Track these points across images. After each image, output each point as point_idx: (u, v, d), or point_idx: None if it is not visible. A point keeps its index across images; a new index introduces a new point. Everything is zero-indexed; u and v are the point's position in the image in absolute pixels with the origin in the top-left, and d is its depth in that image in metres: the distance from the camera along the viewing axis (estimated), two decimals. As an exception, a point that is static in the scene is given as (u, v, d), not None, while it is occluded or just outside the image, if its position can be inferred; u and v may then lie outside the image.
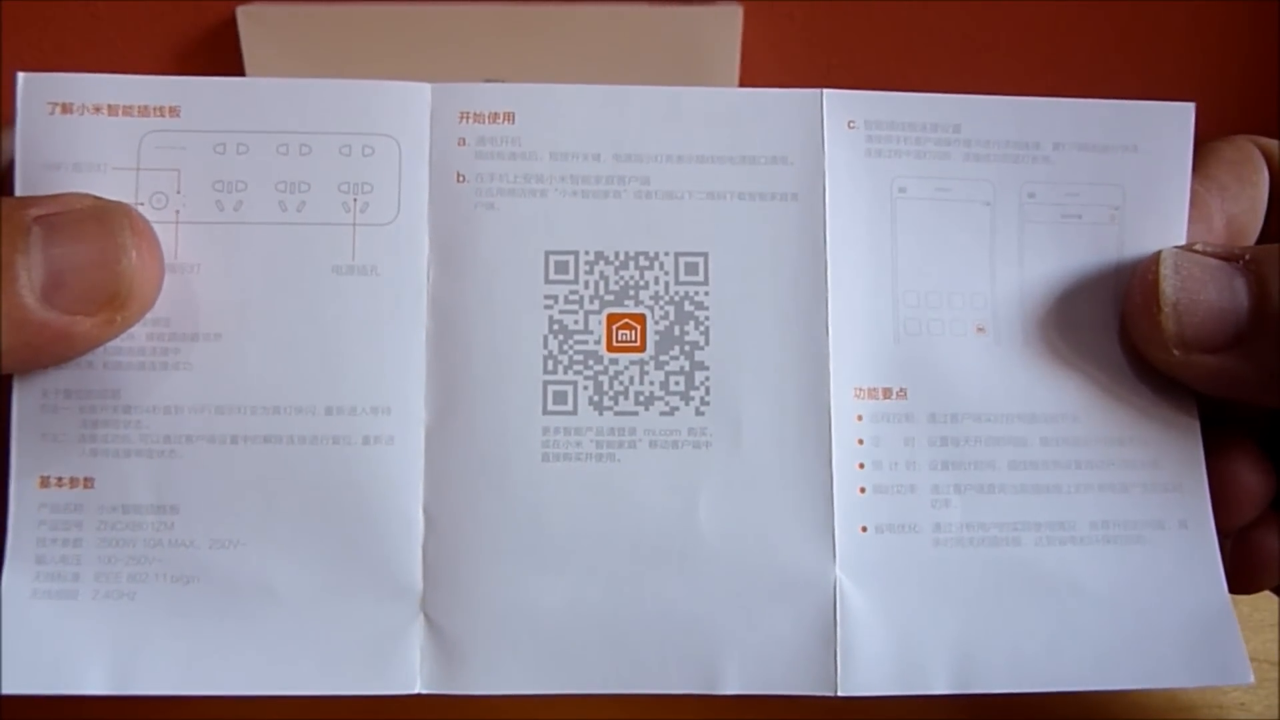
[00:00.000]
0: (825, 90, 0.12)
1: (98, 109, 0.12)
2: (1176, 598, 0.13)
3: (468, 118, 0.13)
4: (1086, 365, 0.13)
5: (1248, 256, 0.13)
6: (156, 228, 0.12)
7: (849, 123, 0.12)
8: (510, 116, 0.13)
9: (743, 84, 0.49)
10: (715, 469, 0.12)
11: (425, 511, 0.13)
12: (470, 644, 0.12)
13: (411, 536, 0.12)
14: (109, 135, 0.12)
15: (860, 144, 0.12)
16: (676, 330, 0.13)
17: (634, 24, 0.47)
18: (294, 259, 0.12)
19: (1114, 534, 0.13)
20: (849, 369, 0.12)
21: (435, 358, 0.13)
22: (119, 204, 0.12)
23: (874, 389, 0.12)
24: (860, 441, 0.12)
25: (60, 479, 0.12)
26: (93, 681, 0.11)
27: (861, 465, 0.12)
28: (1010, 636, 0.12)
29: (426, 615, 0.12)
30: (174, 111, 0.12)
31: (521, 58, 0.47)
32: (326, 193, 0.12)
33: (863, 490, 0.12)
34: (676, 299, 0.13)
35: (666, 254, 0.13)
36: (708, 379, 0.13)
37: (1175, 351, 0.12)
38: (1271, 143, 0.15)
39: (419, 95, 0.13)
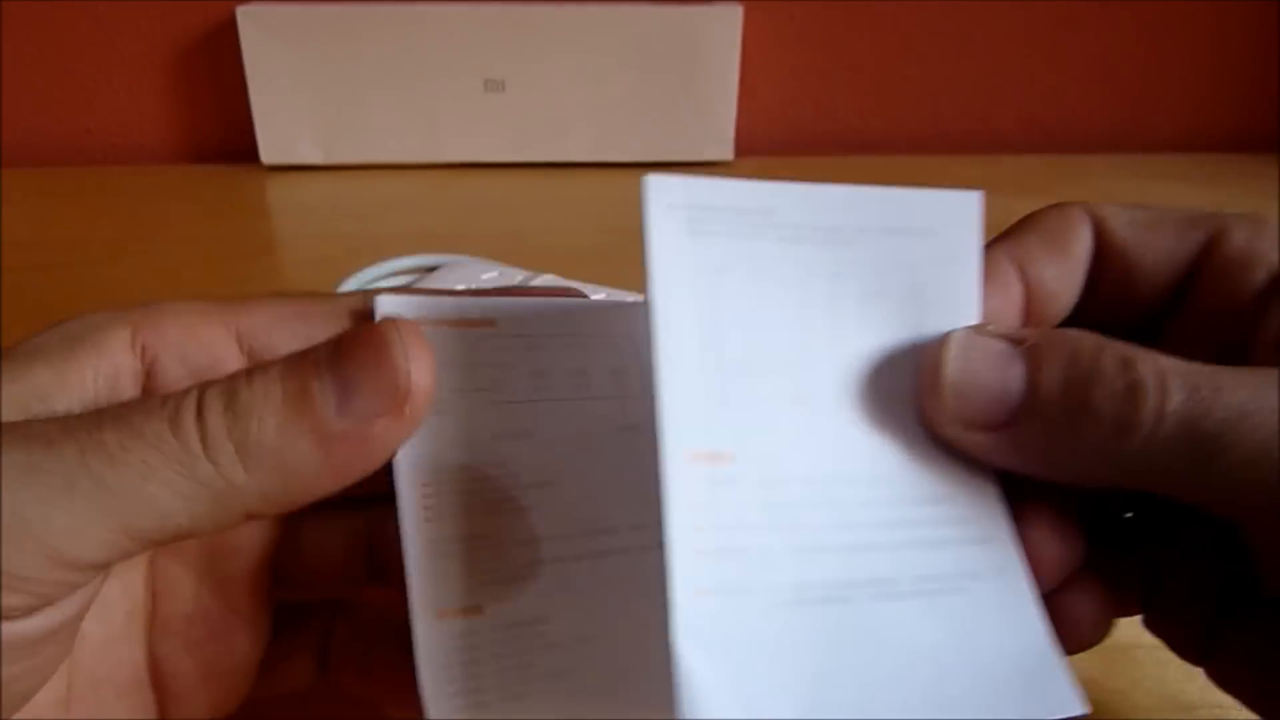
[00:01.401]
0: (647, 176, 0.13)
1: (444, 323, 0.16)
2: (1002, 641, 0.13)
3: None
4: (894, 433, 0.14)
5: (1030, 342, 0.13)
6: (492, 408, 0.15)
7: (669, 205, 0.13)
8: None
9: (742, 84, 0.49)
10: None
11: None
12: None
13: None
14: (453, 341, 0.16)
15: (681, 224, 0.13)
16: None
17: (634, 24, 0.47)
18: (591, 423, 0.16)
19: (936, 587, 0.13)
20: (682, 433, 0.13)
21: None
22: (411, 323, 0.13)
23: (706, 452, 0.13)
24: (696, 505, 0.12)
25: (454, 610, 0.15)
26: None
27: (699, 528, 0.12)
28: (852, 693, 0.13)
29: None
30: (491, 323, 0.16)
31: (521, 58, 0.47)
32: (602, 374, 0.16)
33: (700, 553, 0.12)
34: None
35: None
36: None
37: (956, 427, 0.13)
38: (1107, 209, 0.15)
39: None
